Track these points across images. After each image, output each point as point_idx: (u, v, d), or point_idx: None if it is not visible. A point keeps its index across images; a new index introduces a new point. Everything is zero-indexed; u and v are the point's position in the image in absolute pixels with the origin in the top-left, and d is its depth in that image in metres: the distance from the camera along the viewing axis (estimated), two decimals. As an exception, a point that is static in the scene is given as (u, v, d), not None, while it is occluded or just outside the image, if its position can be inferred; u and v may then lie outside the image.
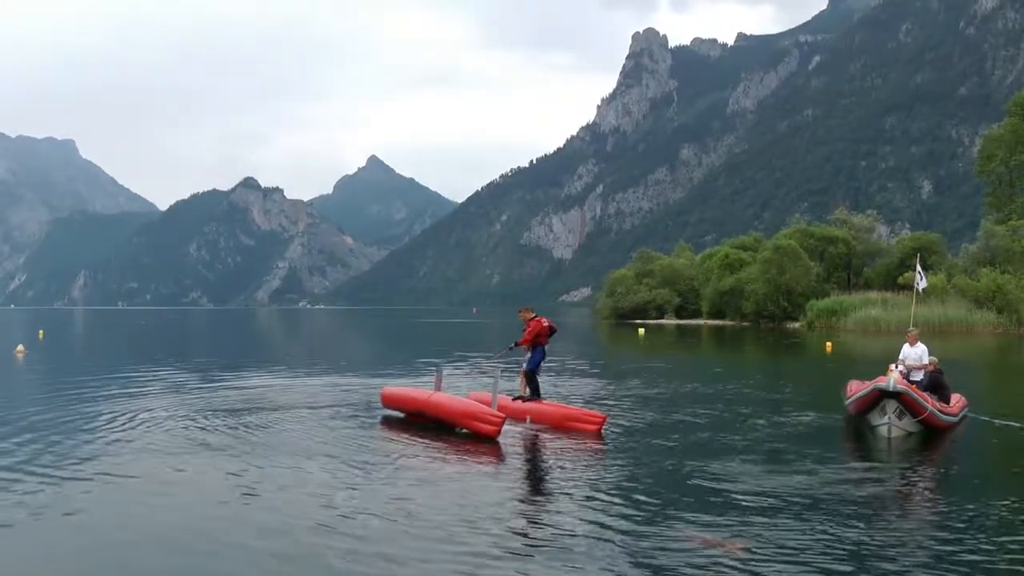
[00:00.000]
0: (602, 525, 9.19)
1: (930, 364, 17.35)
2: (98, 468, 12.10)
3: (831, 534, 8.82)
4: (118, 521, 9.48)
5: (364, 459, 12.92)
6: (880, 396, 15.35)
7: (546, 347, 17.19)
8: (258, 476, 11.62)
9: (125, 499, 10.43)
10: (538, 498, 10.75)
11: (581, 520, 9.39)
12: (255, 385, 23.95)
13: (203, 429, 15.50)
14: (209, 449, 13.64)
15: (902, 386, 15.18)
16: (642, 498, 10.42)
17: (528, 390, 17.00)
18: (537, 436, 15.12)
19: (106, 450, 13.52)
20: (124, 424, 16.07)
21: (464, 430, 15.26)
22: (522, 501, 10.42)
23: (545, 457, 13.68)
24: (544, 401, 17.04)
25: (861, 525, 9.19)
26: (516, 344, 17.10)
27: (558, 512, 9.82)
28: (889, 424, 15.36)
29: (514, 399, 16.92)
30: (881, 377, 15.66)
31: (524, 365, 17.12)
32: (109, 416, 17.08)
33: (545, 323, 16.88)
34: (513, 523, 9.31)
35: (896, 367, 17.26)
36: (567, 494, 10.79)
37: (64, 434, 14.97)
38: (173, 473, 11.89)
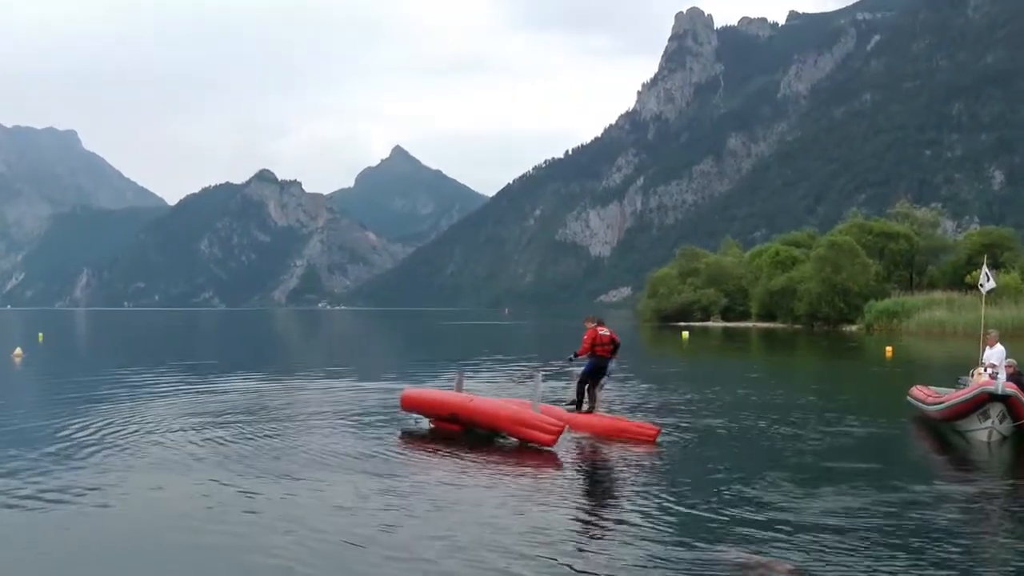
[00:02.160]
0: (622, 555, 8.99)
1: (1010, 366, 17.51)
2: (84, 480, 12.07)
3: (891, 563, 8.56)
4: (87, 538, 9.51)
5: (371, 473, 12.77)
6: (987, 399, 15.56)
7: (609, 360, 16.95)
8: (234, 491, 11.54)
9: (101, 514, 10.40)
10: (557, 521, 10.25)
11: (597, 548, 9.15)
12: (265, 392, 24.02)
13: (199, 439, 15.45)
14: (197, 461, 13.56)
15: (1011, 389, 15.51)
16: (683, 513, 10.27)
17: (586, 400, 16.88)
18: (583, 449, 14.95)
19: (96, 461, 13.48)
20: (120, 433, 16.07)
21: (510, 438, 15.16)
22: (535, 526, 9.92)
23: (583, 473, 13.49)
24: (593, 412, 16.79)
25: (929, 555, 8.89)
26: (576, 355, 17.02)
27: (572, 538, 9.53)
28: (991, 429, 15.62)
29: (565, 407, 16.82)
30: (988, 380, 15.97)
31: (580, 373, 17.12)
32: (107, 425, 17.08)
33: (603, 332, 16.72)
34: (509, 550, 8.93)
35: (985, 370, 17.44)
36: (593, 513, 10.62)
37: (57, 443, 14.95)
38: (151, 486, 11.88)
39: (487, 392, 20.87)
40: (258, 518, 10.17)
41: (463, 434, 16.08)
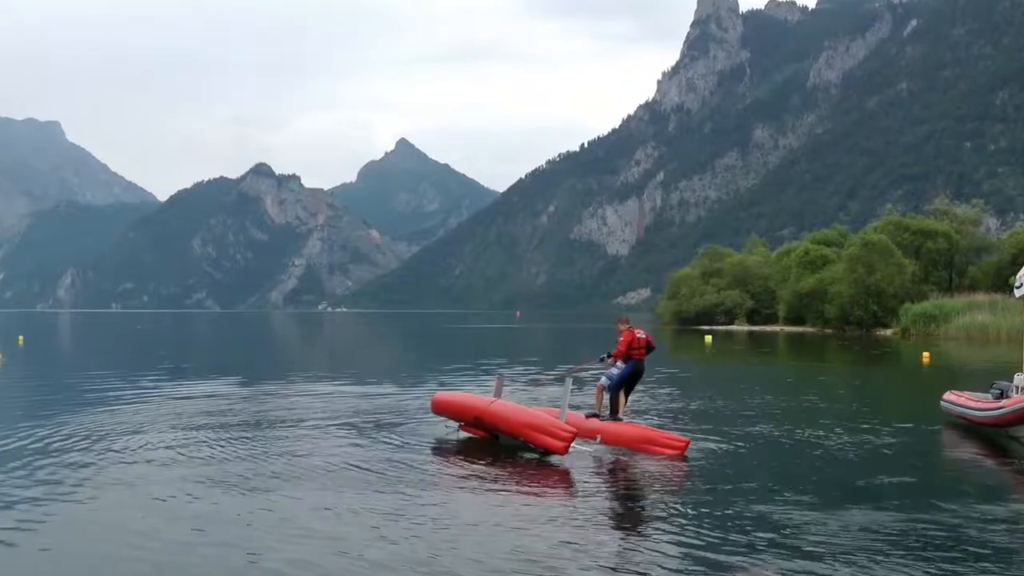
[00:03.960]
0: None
1: None
2: (66, 496, 11.90)
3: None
4: (33, 557, 9.34)
5: (349, 488, 12.46)
6: None
7: (643, 363, 16.91)
8: (196, 506, 11.37)
9: (82, 534, 10.22)
10: (557, 542, 9.80)
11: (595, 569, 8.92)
12: (249, 398, 24.00)
13: (172, 451, 15.25)
14: (163, 473, 13.41)
15: None
16: (704, 529, 10.09)
17: (608, 407, 16.74)
18: (605, 461, 14.80)
19: (79, 474, 13.29)
20: (105, 444, 15.94)
21: (533, 447, 15.13)
22: (528, 548, 9.53)
23: (601, 489, 13.23)
24: (621, 421, 16.64)
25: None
26: (608, 356, 16.79)
27: (568, 558, 9.25)
28: None
29: (587, 416, 16.71)
30: None
31: (603, 379, 16.88)
32: (91, 434, 16.97)
33: (640, 335, 16.63)
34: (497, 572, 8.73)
35: None
36: (600, 532, 10.34)
37: (35, 455, 14.82)
38: (115, 500, 11.72)
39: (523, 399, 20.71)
40: (208, 536, 9.95)
41: (487, 444, 16.08)
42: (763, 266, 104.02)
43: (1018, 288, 23.12)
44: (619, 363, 16.55)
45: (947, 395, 20.04)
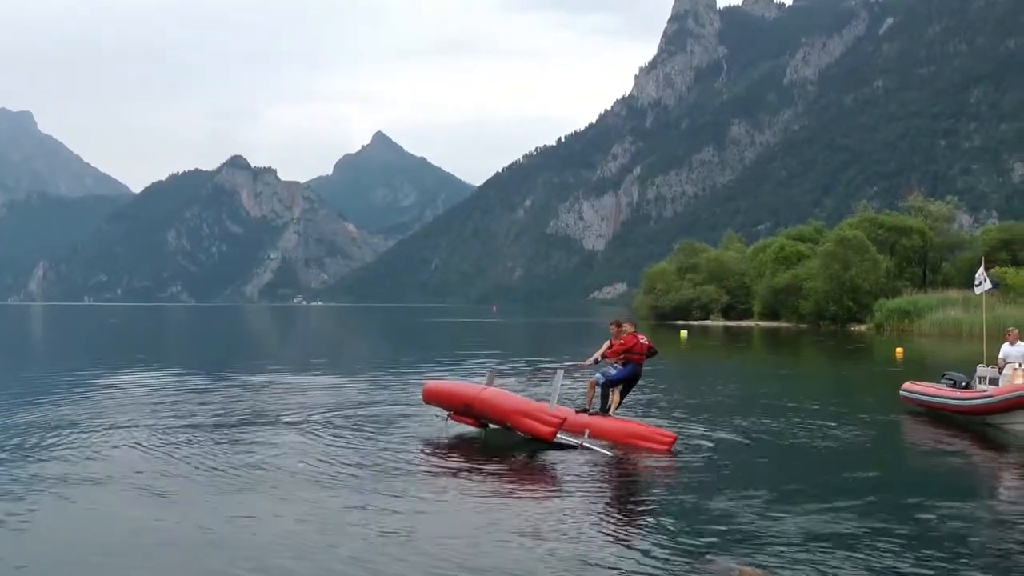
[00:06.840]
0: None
1: None
2: (26, 498, 11.61)
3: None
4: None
5: (300, 492, 12.18)
6: None
7: (641, 367, 17.02)
8: (151, 509, 10.92)
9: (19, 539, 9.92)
10: (543, 545, 9.61)
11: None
12: (232, 393, 23.84)
13: (154, 449, 14.92)
14: (121, 473, 13.02)
15: None
16: (674, 523, 10.12)
17: (598, 403, 16.80)
18: (592, 456, 14.71)
19: (43, 473, 13.03)
20: (75, 440, 15.69)
21: (522, 435, 15.29)
22: (511, 548, 9.44)
23: (586, 485, 13.04)
24: (609, 416, 16.65)
25: (944, 568, 8.74)
26: (603, 357, 16.78)
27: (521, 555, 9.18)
28: None
29: (577, 411, 16.75)
30: None
31: (597, 375, 16.88)
32: (60, 430, 16.72)
33: (643, 341, 16.72)
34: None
35: (1020, 367, 17.95)
36: (589, 533, 10.24)
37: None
38: (72, 502, 11.34)
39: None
40: (170, 550, 9.41)
41: (472, 441, 16.06)
42: (739, 262, 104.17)
43: (978, 286, 23.62)
44: (616, 364, 16.60)
45: (907, 385, 20.80)
